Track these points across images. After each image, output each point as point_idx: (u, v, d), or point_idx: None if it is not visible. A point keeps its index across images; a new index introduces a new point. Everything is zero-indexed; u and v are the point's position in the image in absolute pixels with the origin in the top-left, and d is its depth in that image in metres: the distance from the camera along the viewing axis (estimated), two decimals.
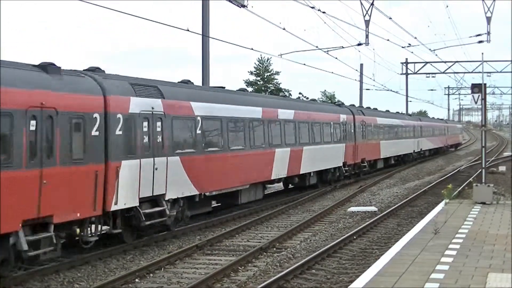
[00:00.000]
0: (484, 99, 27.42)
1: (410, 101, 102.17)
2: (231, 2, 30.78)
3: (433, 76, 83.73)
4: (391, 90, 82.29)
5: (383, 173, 52.00)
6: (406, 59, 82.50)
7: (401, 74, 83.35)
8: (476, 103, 27.75)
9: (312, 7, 34.72)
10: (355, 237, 22.80)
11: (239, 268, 18.41)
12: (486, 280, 12.77)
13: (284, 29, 35.05)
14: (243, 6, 31.05)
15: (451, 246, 16.44)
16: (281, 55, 44.49)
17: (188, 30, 27.67)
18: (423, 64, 79.71)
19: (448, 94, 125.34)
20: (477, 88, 27.42)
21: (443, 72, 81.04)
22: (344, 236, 22.42)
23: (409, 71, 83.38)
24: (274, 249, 21.33)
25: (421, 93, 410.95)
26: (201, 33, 35.08)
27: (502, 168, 53.12)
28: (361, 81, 68.39)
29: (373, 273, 13.81)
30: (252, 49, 34.98)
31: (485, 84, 28.07)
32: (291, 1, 30.76)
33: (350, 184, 43.81)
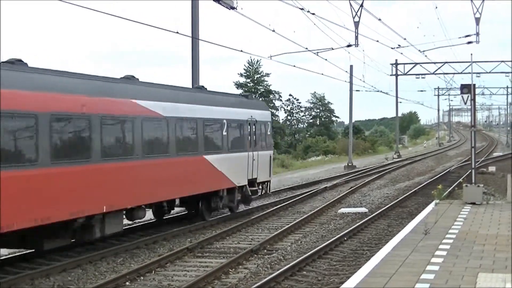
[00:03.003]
0: (473, 100, 27.47)
1: (400, 102, 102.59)
2: (221, 4, 30.77)
3: (423, 77, 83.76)
4: (381, 91, 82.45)
5: (374, 174, 52.15)
6: (396, 60, 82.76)
7: (390, 75, 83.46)
8: (465, 103, 27.83)
9: (302, 9, 34.72)
10: (345, 238, 22.81)
11: (230, 270, 18.38)
12: (476, 280, 12.79)
13: (273, 30, 35.02)
14: (233, 8, 31.03)
15: (441, 246, 16.46)
16: (271, 56, 44.45)
17: (177, 33, 27.64)
18: (413, 65, 79.81)
19: (438, 95, 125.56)
20: (467, 88, 27.49)
21: (433, 73, 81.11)
22: (334, 238, 22.41)
23: (398, 72, 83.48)
24: (265, 251, 21.30)
25: (411, 94, 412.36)
26: (190, 35, 35.09)
27: (492, 169, 53.32)
28: (351, 83, 68.32)
29: (364, 274, 13.80)
30: (241, 51, 34.92)
31: (474, 85, 28.15)
32: (280, 3, 30.76)
33: (341, 185, 43.83)
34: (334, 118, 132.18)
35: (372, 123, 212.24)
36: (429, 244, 16.75)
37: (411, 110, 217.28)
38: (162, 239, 23.10)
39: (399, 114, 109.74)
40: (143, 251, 21.18)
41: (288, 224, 26.18)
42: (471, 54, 30.79)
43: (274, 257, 20.02)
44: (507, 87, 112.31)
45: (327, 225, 26.67)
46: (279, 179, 51.29)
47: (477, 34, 45.61)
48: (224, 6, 30.80)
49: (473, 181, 26.92)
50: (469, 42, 47.39)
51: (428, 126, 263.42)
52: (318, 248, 20.46)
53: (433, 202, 25.92)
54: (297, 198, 35.28)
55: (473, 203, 25.20)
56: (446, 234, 18.29)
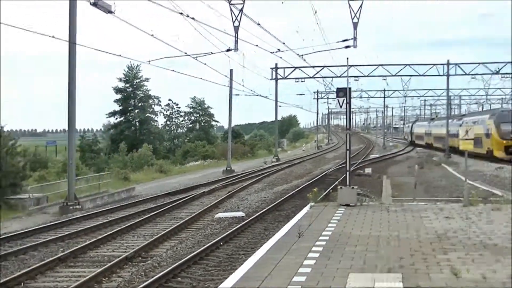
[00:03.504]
0: (348, 103, 27.81)
1: (280, 106, 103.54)
2: (98, 8, 30.20)
3: (302, 81, 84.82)
4: (260, 95, 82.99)
5: (252, 178, 52.38)
6: (276, 64, 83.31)
7: (270, 79, 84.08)
8: (341, 107, 28.12)
9: (181, 13, 34.51)
10: (221, 243, 22.73)
11: (103, 279, 18.04)
12: (346, 281, 12.86)
13: (152, 35, 34.71)
14: (110, 12, 30.52)
15: (314, 248, 16.53)
16: (149, 61, 44.10)
17: (53, 37, 26.97)
18: (292, 69, 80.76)
19: (317, 99, 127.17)
20: (342, 92, 27.80)
21: (312, 77, 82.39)
22: (210, 243, 22.30)
23: (278, 76, 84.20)
24: (140, 258, 21.03)
25: (290, 98, 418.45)
26: (67, 40, 34.37)
27: (368, 170, 54.52)
28: (230, 87, 68.58)
29: (237, 278, 13.70)
30: (120, 55, 34.41)
31: (350, 88, 28.51)
32: (160, 8, 30.37)
33: (219, 189, 43.79)
34: (213, 123, 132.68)
35: (252, 127, 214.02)
36: (302, 247, 16.79)
37: (290, 114, 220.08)
38: (32, 250, 22.39)
39: (279, 118, 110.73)
40: (11, 263, 20.46)
41: (164, 231, 25.90)
42: (347, 58, 31.20)
43: (149, 264, 19.77)
44: (384, 90, 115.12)
45: (204, 230, 26.53)
46: (157, 185, 50.92)
47: (355, 38, 46.32)
48: (101, 10, 30.26)
49: (347, 183, 27.26)
50: (347, 47, 47.94)
51: (307, 129, 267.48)
52: (194, 254, 20.34)
53: (308, 205, 26.11)
54: (175, 203, 35.01)
55: (348, 205, 25.53)
56: (319, 236, 18.39)
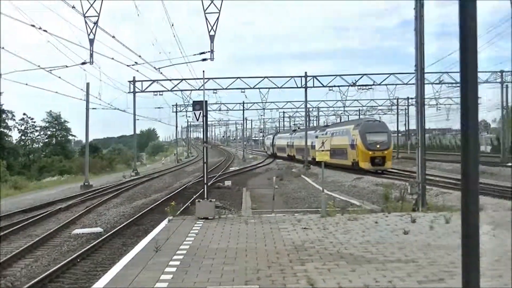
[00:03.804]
0: (205, 116, 27.87)
1: (138, 119, 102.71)
2: None
3: (161, 94, 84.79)
4: (117, 109, 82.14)
5: (111, 193, 51.68)
6: (134, 77, 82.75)
7: (128, 92, 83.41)
8: (197, 120, 28.16)
9: (33, 26, 33.72)
10: (78, 260, 22.29)
11: None
12: None
13: (3, 48, 33.73)
14: None
15: (171, 263, 16.40)
16: (0, 75, 42.86)
17: None
18: (150, 82, 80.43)
19: (176, 112, 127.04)
20: (199, 105, 27.85)
21: (170, 90, 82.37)
22: (67, 260, 21.80)
23: (136, 90, 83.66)
24: None
25: (149, 111, 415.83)
26: None
27: (228, 183, 54.83)
28: (87, 101, 67.47)
29: None
30: None
31: (206, 101, 28.59)
32: (10, 19, 29.55)
33: (76, 205, 42.94)
34: (71, 137, 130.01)
35: (110, 141, 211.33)
36: (160, 261, 16.64)
37: (150, 127, 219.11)
38: None
39: (138, 131, 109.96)
40: None
41: (18, 249, 25.11)
42: (203, 71, 31.29)
43: (2, 285, 19.12)
44: (243, 103, 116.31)
45: (60, 247, 25.93)
46: (11, 202, 49.34)
47: (212, 51, 46.50)
48: None
49: (205, 196, 27.29)
50: (204, 59, 48.15)
51: (167, 142, 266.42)
52: (49, 272, 19.83)
53: (167, 219, 25.96)
54: (30, 220, 34.01)
55: (206, 218, 25.53)
56: (176, 250, 18.27)
